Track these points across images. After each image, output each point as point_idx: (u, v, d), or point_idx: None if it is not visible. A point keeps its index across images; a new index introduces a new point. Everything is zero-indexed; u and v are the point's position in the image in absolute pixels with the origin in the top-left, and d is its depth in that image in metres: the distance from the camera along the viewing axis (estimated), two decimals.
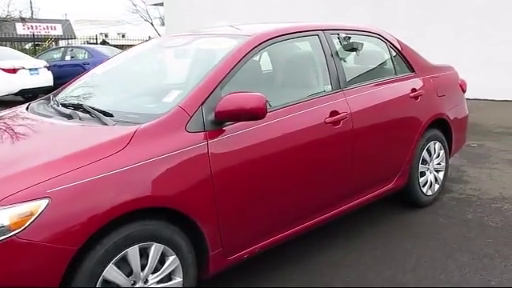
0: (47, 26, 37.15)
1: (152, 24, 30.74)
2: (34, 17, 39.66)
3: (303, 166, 2.75)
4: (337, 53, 3.16)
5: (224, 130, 2.41)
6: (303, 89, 3.00)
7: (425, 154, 3.81)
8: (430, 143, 3.84)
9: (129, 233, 2.03)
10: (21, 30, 33.70)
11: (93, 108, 2.50)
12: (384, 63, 3.67)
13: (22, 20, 31.21)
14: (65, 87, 3.22)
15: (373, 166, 3.31)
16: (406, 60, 3.74)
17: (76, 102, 2.76)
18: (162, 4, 18.08)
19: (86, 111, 2.52)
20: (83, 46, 17.23)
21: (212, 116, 2.35)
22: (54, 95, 3.11)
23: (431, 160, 3.91)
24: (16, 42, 30.94)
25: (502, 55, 9.62)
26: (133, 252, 2.05)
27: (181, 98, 2.38)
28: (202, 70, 2.54)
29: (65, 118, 2.54)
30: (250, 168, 2.47)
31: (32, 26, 36.15)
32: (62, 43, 30.02)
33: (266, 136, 2.55)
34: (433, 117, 3.79)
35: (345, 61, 3.23)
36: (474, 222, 3.61)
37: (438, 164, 4.01)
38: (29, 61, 12.06)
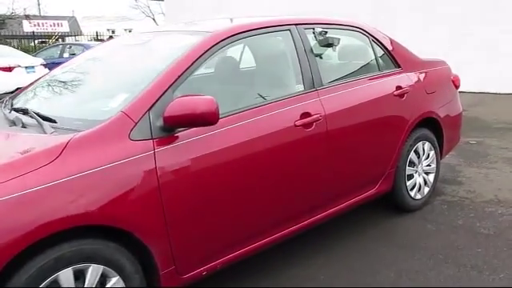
0: (54, 23, 37.13)
1: (154, 19, 30.54)
2: (42, 14, 39.71)
3: (269, 174, 2.53)
4: (311, 49, 2.93)
5: (177, 137, 2.19)
6: (271, 89, 2.77)
7: (412, 155, 3.56)
8: (418, 144, 3.59)
9: (59, 255, 1.83)
10: (27, 27, 33.74)
11: (37, 114, 2.29)
12: (366, 59, 3.42)
13: (27, 17, 31.16)
14: (24, 89, 3.02)
15: (352, 170, 3.07)
16: (390, 55, 3.49)
17: (25, 107, 2.55)
18: None
19: (32, 117, 2.32)
20: (81, 43, 17.12)
21: (161, 122, 2.14)
22: (12, 98, 2.91)
23: (420, 162, 3.66)
24: (23, 39, 30.92)
25: (507, 46, 9.27)
26: (65, 275, 1.85)
27: (127, 102, 2.16)
28: (153, 71, 2.32)
29: (7, 125, 2.34)
30: (206, 178, 2.26)
31: (38, 24, 36.19)
32: (68, 40, 29.97)
33: (224, 142, 2.33)
34: (421, 115, 3.53)
35: (321, 57, 3.00)
36: (464, 228, 3.37)
37: (428, 166, 3.76)
38: (25, 59, 11.93)
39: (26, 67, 11.24)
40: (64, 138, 1.97)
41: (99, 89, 2.55)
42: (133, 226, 2.01)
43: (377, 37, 3.43)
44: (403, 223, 3.50)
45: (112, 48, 3.08)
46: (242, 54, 2.94)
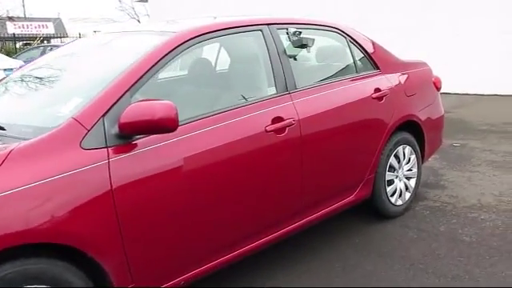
0: (39, 25, 36.73)
1: (139, 21, 30.23)
2: (27, 16, 39.18)
3: (237, 183, 2.38)
4: (284, 50, 2.79)
5: (135, 145, 2.03)
6: (241, 93, 2.62)
7: (392, 160, 3.44)
8: (398, 148, 3.47)
9: (0, 276, 1.66)
10: (12, 29, 33.30)
11: None
12: (343, 61, 3.30)
13: (10, 19, 30.69)
14: None
15: (328, 177, 2.94)
16: (369, 56, 3.36)
17: None
18: (146, 0, 17.65)
19: None
20: (62, 44, 16.82)
21: (117, 129, 1.98)
22: None
23: (400, 166, 3.54)
24: (7, 41, 30.44)
25: (490, 48, 9.24)
26: None
27: (80, 107, 2.00)
28: (112, 73, 2.16)
29: None
30: (167, 190, 2.10)
31: (23, 25, 35.72)
32: (53, 42, 29.53)
33: (187, 150, 2.18)
34: (401, 119, 3.41)
35: (295, 59, 2.86)
36: (446, 235, 3.25)
37: (409, 170, 3.64)
38: (4, 61, 11.72)
39: (5, 69, 11.02)
40: (7, 148, 1.80)
41: (54, 93, 2.38)
42: (84, 244, 1.85)
43: (354, 37, 3.30)
44: (384, 230, 3.37)
45: (73, 50, 2.91)
46: (210, 56, 2.78)
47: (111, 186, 1.92)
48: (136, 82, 2.11)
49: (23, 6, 41.43)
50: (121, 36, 2.83)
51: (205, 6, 14.63)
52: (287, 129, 2.59)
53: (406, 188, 3.63)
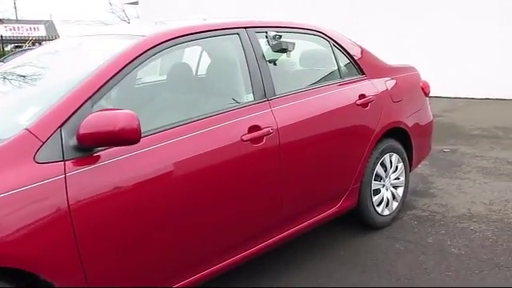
0: (30, 27, 36.50)
1: (129, 23, 30.05)
2: (19, 18, 38.91)
3: (210, 196, 2.23)
4: (263, 55, 2.65)
5: (96, 158, 1.88)
6: (216, 100, 2.48)
7: (379, 168, 3.30)
8: (384, 156, 3.33)
9: None
10: (3, 31, 33.08)
11: None
12: (326, 65, 3.16)
13: (1, 21, 30.43)
14: None
15: (310, 188, 2.80)
16: (354, 61, 3.23)
17: None
18: (137, 3, 17.49)
19: None
20: None
21: (75, 141, 1.83)
22: None
23: (387, 175, 3.40)
24: None
25: (481, 52, 9.16)
26: None
27: (35, 117, 1.85)
28: (73, 80, 2.01)
29: None
30: (132, 206, 1.95)
31: (14, 28, 35.47)
32: (45, 44, 29.25)
33: (156, 162, 2.03)
34: (387, 126, 3.28)
35: (274, 64, 2.72)
36: (434, 247, 3.12)
37: (396, 179, 3.51)
38: None
39: None
40: None
41: (11, 102, 2.22)
42: (36, 266, 1.70)
43: (338, 41, 3.17)
44: (370, 242, 3.24)
45: (38, 54, 2.75)
46: (179, 61, 2.63)
47: (68, 203, 1.76)
48: (98, 90, 1.96)
49: (15, 8, 41.18)
50: (89, 40, 2.68)
51: (195, 8, 14.50)
52: (265, 138, 2.45)
53: (394, 197, 3.50)
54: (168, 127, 2.11)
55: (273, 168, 2.51)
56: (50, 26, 38.81)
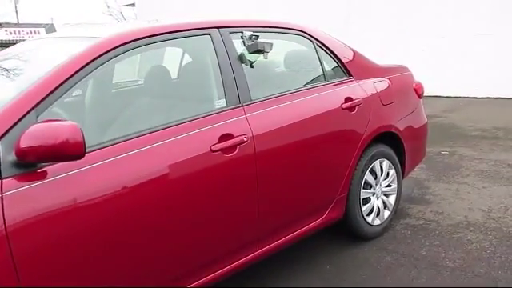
0: (30, 31, 36.44)
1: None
2: (20, 22, 38.86)
3: (175, 214, 2.03)
4: (238, 57, 2.45)
5: (42, 174, 1.69)
6: (181, 107, 2.28)
7: (368, 176, 3.10)
8: (374, 162, 3.13)
9: None
10: (3, 35, 33.05)
11: None
12: (309, 67, 2.96)
13: (1, 25, 30.37)
14: None
15: (290, 200, 2.59)
16: (339, 62, 3.02)
17: None
18: (133, 4, 17.34)
19: None
20: None
21: (14, 156, 1.63)
22: None
23: (378, 182, 3.20)
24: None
25: (482, 50, 8.93)
26: None
27: None
28: (18, 87, 1.81)
29: None
30: (81, 226, 1.75)
31: (15, 31, 35.46)
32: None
33: (110, 177, 1.83)
34: (376, 130, 3.08)
35: (251, 66, 2.52)
36: (427, 260, 2.91)
37: (388, 186, 3.30)
38: None
39: None
40: None
41: None
42: None
43: (323, 41, 2.96)
44: (359, 255, 3.03)
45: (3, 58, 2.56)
46: (142, 65, 2.43)
47: (5, 225, 1.57)
48: (45, 98, 1.76)
49: (16, 12, 41.14)
50: (46, 43, 2.49)
51: (192, 10, 14.33)
52: (238, 147, 2.25)
53: (385, 206, 3.29)
54: (126, 138, 1.92)
55: (248, 180, 2.31)
56: (50, 29, 38.70)
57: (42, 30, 37.23)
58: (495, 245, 3.04)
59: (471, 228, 3.31)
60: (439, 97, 9.32)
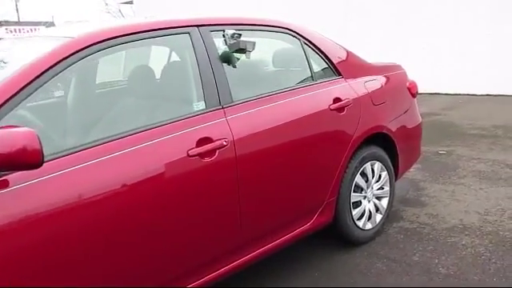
0: (30, 29, 36.38)
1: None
2: (21, 20, 38.82)
3: (147, 222, 1.93)
4: (219, 57, 2.34)
5: (3, 183, 1.58)
6: (157, 110, 2.17)
7: (359, 179, 2.99)
8: (365, 165, 3.02)
9: None
10: (4, 33, 33.03)
11: None
12: (296, 67, 2.85)
13: (0, 24, 30.32)
14: None
15: (275, 205, 2.49)
16: (328, 60, 2.91)
17: None
18: (131, 2, 17.24)
19: None
20: None
21: None
22: None
23: (369, 185, 3.09)
24: None
25: (481, 47, 8.80)
26: None
27: None
28: None
29: None
30: (46, 239, 1.65)
31: (15, 30, 35.43)
32: None
33: (78, 187, 1.73)
34: (367, 131, 2.97)
35: (234, 66, 2.41)
36: (419, 266, 2.80)
37: (380, 189, 3.19)
38: None
39: None
40: None
41: None
42: None
43: (310, 39, 2.85)
44: (349, 261, 2.93)
45: None
46: (115, 67, 2.32)
47: None
48: (4, 104, 1.66)
49: (17, 10, 41.07)
50: (20, 42, 2.39)
51: (191, 7, 14.21)
52: (218, 151, 2.14)
53: (377, 209, 3.18)
54: (94, 144, 1.81)
55: (228, 185, 2.20)
56: (49, 26, 38.72)
57: (43, 28, 37.21)
58: (491, 250, 2.94)
59: (466, 232, 3.20)
60: (439, 94, 9.20)
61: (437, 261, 2.85)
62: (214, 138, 2.14)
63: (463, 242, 3.06)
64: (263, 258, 2.51)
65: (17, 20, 38.72)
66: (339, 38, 3.35)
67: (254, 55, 2.50)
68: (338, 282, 2.69)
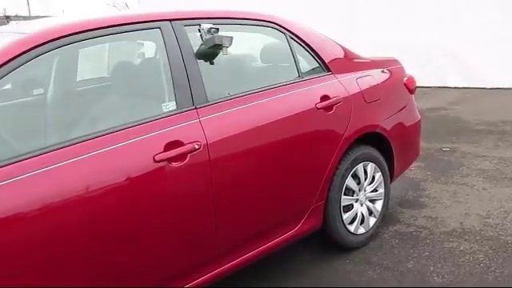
0: None
1: None
2: (32, 15, 39.00)
3: (108, 234, 1.79)
4: (193, 53, 2.18)
5: None
6: (121, 112, 2.03)
7: (350, 181, 2.82)
8: (357, 166, 2.85)
9: None
10: None
11: None
12: (280, 63, 2.68)
13: (7, 18, 30.42)
14: None
15: (255, 212, 2.34)
16: (316, 55, 2.74)
17: None
18: None
19: None
20: None
21: None
22: None
23: (361, 188, 2.92)
24: None
25: (492, 38, 8.49)
26: None
27: None
28: None
29: None
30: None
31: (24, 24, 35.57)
32: None
33: (31, 196, 1.60)
34: (358, 131, 2.80)
35: (211, 64, 2.25)
36: (413, 274, 2.64)
37: (374, 191, 3.02)
38: None
39: None
40: None
41: None
42: None
43: (296, 32, 2.67)
44: (340, 268, 2.77)
45: None
46: (76, 66, 2.17)
47: None
48: None
49: (28, 3, 41.24)
50: None
51: (198, 1, 14.02)
52: (189, 156, 1.99)
53: (371, 213, 3.01)
54: (48, 150, 1.67)
55: (201, 192, 2.06)
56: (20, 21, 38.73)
57: (12, 23, 37.21)
58: (490, 257, 2.76)
59: (465, 237, 3.02)
60: (447, 87, 8.93)
61: (432, 268, 2.68)
62: (185, 141, 1.99)
63: (461, 248, 2.88)
64: (243, 267, 2.36)
65: (27, 14, 38.87)
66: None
67: (235, 51, 2.34)
68: None
